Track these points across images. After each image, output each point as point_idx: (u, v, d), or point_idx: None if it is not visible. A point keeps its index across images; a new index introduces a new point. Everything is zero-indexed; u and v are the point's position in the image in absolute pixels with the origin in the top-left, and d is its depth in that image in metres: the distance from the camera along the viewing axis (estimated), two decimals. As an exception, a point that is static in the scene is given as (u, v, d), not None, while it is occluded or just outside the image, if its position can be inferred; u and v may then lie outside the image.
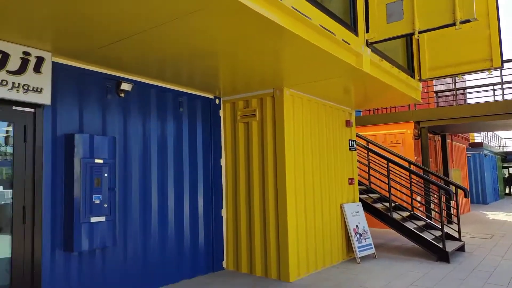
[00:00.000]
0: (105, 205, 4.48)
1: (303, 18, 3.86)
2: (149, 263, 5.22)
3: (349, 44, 4.66)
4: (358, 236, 6.91)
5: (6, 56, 3.89)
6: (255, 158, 6.08)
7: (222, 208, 6.42)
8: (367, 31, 5.15)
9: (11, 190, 4.07)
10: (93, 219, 4.34)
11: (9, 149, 4.15)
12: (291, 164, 5.83)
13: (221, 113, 6.58)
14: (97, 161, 4.49)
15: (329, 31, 4.28)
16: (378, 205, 7.91)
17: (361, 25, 5.05)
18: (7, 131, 4.15)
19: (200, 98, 6.24)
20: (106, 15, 3.36)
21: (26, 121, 4.19)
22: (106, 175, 4.54)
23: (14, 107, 4.09)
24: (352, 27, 4.89)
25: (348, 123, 7.55)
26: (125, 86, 5.06)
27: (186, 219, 5.80)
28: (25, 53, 4.05)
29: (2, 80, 3.86)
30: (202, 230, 6.03)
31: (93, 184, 4.41)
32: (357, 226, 6.99)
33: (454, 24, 4.43)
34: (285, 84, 5.72)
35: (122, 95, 5.12)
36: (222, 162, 6.50)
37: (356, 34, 4.92)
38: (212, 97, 6.42)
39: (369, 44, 5.16)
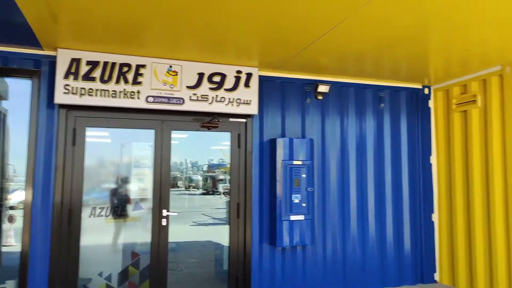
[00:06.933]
0: (304, 205, 4.78)
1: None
2: (348, 265, 5.20)
3: None
4: None
5: (223, 77, 4.70)
6: (475, 154, 5.05)
7: (433, 213, 5.67)
8: None
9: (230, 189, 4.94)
10: (292, 217, 4.71)
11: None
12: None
13: (430, 103, 5.79)
14: (295, 162, 4.82)
15: None
16: None
17: None
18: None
19: (404, 90, 5.69)
20: (301, 18, 3.36)
21: (239, 130, 4.95)
22: (304, 175, 4.82)
23: (231, 119, 4.90)
24: None
25: None
26: (322, 88, 5.20)
27: (388, 223, 5.44)
28: (237, 71, 4.77)
29: (221, 97, 4.69)
30: (408, 236, 5.51)
31: (293, 184, 4.77)
32: None
33: None
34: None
35: (320, 97, 5.28)
36: (433, 160, 5.72)
37: None
38: (419, 87, 5.74)
39: None
